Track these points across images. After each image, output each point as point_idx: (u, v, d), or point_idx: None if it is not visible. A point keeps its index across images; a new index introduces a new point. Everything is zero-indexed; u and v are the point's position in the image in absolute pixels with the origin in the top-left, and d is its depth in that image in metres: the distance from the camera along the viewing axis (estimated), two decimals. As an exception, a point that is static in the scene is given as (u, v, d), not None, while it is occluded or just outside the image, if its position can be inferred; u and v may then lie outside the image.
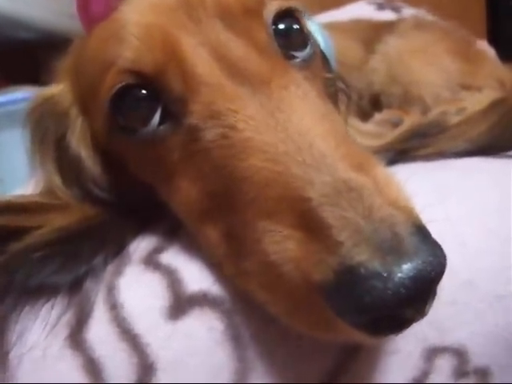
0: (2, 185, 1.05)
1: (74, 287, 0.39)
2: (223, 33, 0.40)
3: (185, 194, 0.40)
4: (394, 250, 0.28)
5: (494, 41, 1.94)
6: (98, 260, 0.40)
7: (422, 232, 0.30)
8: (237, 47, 0.39)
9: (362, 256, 0.28)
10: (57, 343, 0.36)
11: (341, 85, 0.63)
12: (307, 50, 0.44)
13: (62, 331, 0.37)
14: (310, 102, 0.38)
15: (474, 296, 0.42)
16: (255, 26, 0.41)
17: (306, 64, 0.44)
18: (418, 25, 1.03)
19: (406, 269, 0.27)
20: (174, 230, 0.43)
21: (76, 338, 0.36)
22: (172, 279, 0.38)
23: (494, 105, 0.70)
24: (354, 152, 0.35)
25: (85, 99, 0.47)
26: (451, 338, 0.40)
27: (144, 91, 0.40)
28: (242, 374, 0.36)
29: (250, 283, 0.36)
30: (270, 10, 0.42)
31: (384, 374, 0.38)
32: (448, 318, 0.41)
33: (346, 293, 0.28)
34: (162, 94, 0.40)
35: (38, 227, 0.41)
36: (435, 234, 0.43)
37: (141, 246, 0.42)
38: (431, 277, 0.28)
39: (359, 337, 0.31)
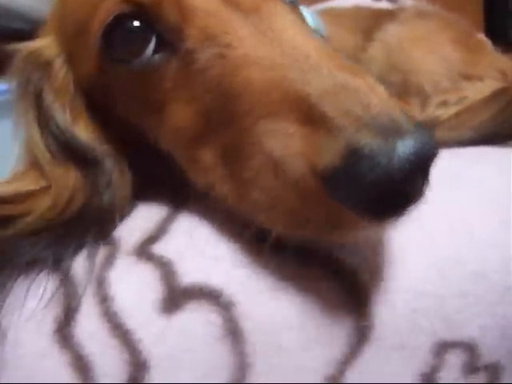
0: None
1: (61, 271, 0.37)
2: None
3: (177, 119, 0.40)
4: (394, 130, 0.30)
5: (490, 34, 1.93)
6: (87, 239, 0.39)
7: (415, 121, 0.31)
8: None
9: (366, 138, 0.29)
10: (43, 338, 0.34)
11: None
12: None
13: (49, 325, 0.34)
14: (299, 25, 0.39)
15: (484, 288, 0.40)
16: None
17: (293, 6, 0.43)
18: (420, 13, 1.01)
19: (408, 144, 0.29)
20: (168, 217, 0.41)
21: (63, 333, 0.34)
22: (165, 271, 0.36)
23: (495, 94, 0.68)
24: (346, 63, 0.35)
25: (71, 44, 0.47)
26: (461, 332, 0.38)
27: (137, 22, 0.40)
28: (242, 370, 0.34)
29: (248, 194, 0.35)
30: None
31: (391, 369, 0.36)
32: (457, 311, 0.39)
33: (353, 174, 0.29)
34: (156, 24, 0.40)
35: (24, 215, 0.40)
36: (442, 223, 0.42)
37: (132, 235, 0.39)
38: (429, 154, 0.30)
39: (364, 226, 0.32)
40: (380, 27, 0.97)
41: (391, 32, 0.94)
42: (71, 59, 0.47)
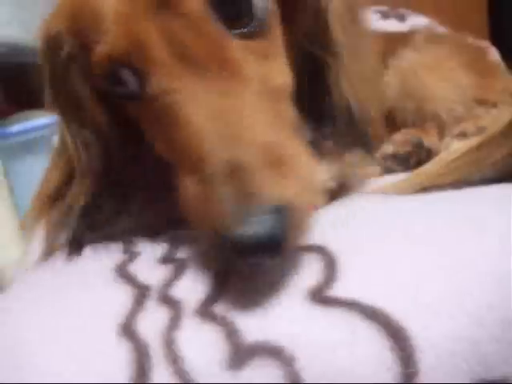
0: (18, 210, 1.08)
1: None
2: (174, 23, 0.45)
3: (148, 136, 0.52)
4: (251, 223, 0.38)
5: (496, 41, 1.96)
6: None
7: (276, 213, 0.39)
8: (185, 35, 0.45)
9: (232, 227, 0.39)
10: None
11: None
12: (254, 22, 0.48)
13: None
14: (239, 79, 0.45)
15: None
16: (197, 10, 0.45)
17: (255, 33, 0.48)
18: (432, 38, 1.04)
19: (256, 234, 0.38)
20: (221, 278, 0.45)
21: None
22: (229, 330, 0.40)
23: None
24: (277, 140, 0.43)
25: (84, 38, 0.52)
26: (497, 372, 0.42)
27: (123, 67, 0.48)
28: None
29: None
30: None
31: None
32: (493, 354, 0.42)
33: (222, 238, 0.40)
34: (134, 69, 0.47)
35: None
36: (471, 269, 0.45)
37: (193, 297, 0.43)
38: (273, 238, 0.39)
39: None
40: (394, 53, 1.00)
41: (405, 58, 0.98)
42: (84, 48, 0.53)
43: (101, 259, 0.56)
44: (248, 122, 0.43)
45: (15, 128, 1.18)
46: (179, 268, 0.48)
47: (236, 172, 0.40)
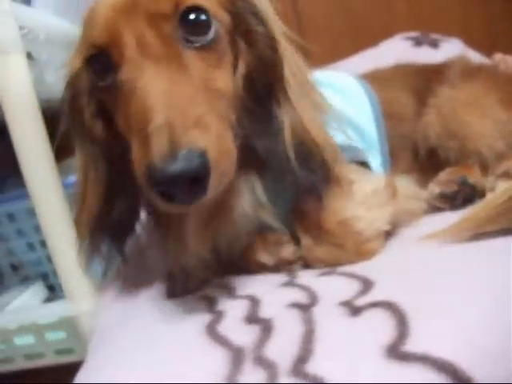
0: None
1: None
2: (145, 28, 0.59)
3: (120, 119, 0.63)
4: (174, 158, 0.49)
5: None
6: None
7: (199, 154, 0.51)
8: (151, 38, 0.58)
9: (160, 161, 0.50)
10: None
11: None
12: (209, 36, 0.62)
13: None
14: (185, 74, 0.59)
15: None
16: (166, 22, 0.59)
17: (209, 47, 0.62)
18: (466, 72, 1.08)
19: (176, 166, 0.49)
20: (307, 336, 0.51)
21: None
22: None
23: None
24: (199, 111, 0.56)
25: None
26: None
27: (102, 59, 0.61)
28: None
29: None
30: (182, 8, 0.60)
31: None
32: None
33: (151, 175, 0.51)
34: (111, 59, 0.61)
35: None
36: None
37: (283, 355, 0.49)
38: (195, 172, 0.50)
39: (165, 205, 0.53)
40: (432, 91, 1.05)
41: (443, 97, 1.02)
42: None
43: (188, 317, 0.63)
44: (187, 100, 0.55)
45: (72, 178, 1.26)
46: (266, 329, 0.54)
47: (170, 128, 0.51)
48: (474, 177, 0.89)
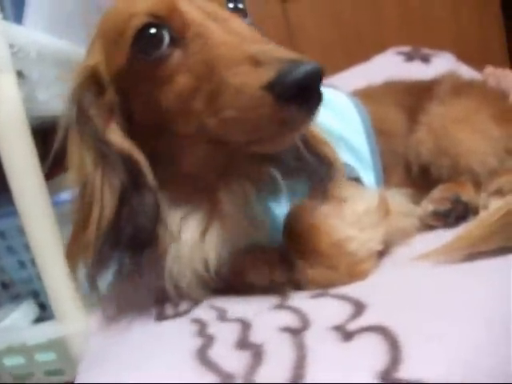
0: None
1: None
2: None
3: (180, 84, 0.63)
4: (297, 63, 0.53)
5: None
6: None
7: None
8: (208, 4, 0.66)
9: (284, 66, 0.53)
10: None
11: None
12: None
13: None
14: (244, 25, 0.65)
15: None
16: None
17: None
18: (456, 88, 1.09)
19: (303, 67, 0.53)
20: (298, 362, 0.50)
21: None
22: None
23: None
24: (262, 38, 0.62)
25: (110, 47, 0.68)
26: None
27: (156, 28, 0.64)
28: None
29: (224, 118, 0.59)
30: None
31: None
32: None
33: (282, 80, 0.53)
34: (169, 29, 0.64)
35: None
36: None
37: (272, 380, 0.48)
38: (315, 71, 0.53)
39: (299, 121, 0.57)
40: (422, 108, 1.05)
41: (434, 114, 1.02)
42: (108, 59, 0.68)
43: (179, 341, 0.62)
44: (262, 39, 0.62)
45: (64, 196, 1.24)
46: (257, 354, 0.53)
47: (276, 49, 0.57)
48: (467, 194, 0.89)
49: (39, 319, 1.18)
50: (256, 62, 0.55)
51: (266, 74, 0.53)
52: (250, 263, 0.74)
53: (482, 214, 0.80)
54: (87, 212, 0.68)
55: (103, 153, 0.68)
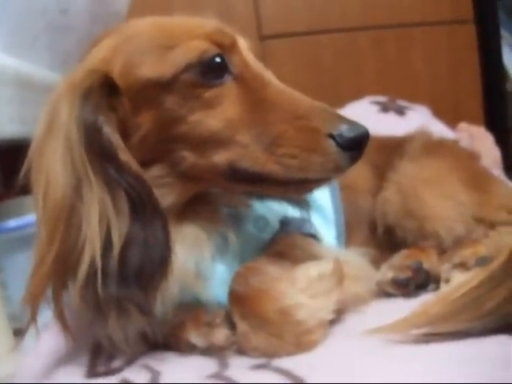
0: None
1: None
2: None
3: (229, 112, 0.65)
4: (352, 124, 0.62)
5: (491, 126, 2.01)
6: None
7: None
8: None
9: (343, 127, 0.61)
10: None
11: None
12: None
13: None
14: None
15: None
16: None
17: None
18: (427, 147, 1.06)
19: (356, 129, 0.62)
20: None
21: None
22: None
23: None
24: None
25: (137, 57, 0.65)
26: None
27: (220, 59, 0.66)
28: None
29: (275, 156, 0.62)
30: None
31: None
32: None
33: (348, 134, 0.61)
34: (229, 63, 0.66)
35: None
36: None
37: None
38: (365, 133, 0.62)
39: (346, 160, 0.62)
40: (392, 165, 1.02)
41: (403, 173, 0.99)
42: (130, 67, 0.65)
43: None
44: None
45: (12, 223, 1.19)
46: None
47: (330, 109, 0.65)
48: (430, 261, 0.85)
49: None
50: (317, 114, 0.63)
51: (331, 127, 0.61)
52: (192, 322, 0.69)
53: (443, 289, 0.76)
54: (73, 240, 0.59)
55: (111, 175, 0.61)
